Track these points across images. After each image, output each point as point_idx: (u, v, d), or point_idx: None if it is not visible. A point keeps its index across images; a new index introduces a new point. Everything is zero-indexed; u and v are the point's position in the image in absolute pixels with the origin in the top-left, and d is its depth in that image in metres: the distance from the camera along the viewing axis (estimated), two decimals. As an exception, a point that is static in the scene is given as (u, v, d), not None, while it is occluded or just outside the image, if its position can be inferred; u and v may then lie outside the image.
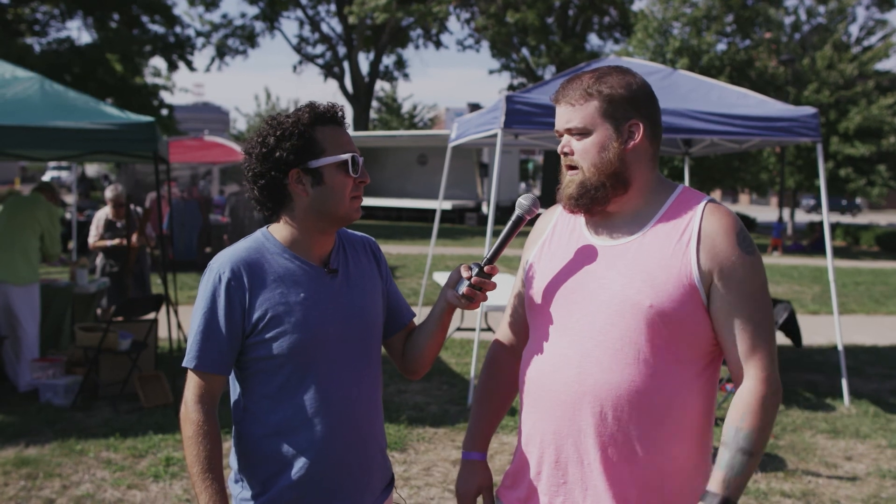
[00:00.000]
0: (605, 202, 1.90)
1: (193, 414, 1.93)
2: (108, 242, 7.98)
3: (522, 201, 1.99)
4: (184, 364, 1.96)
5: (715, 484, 1.79)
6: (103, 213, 8.18)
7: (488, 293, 1.98)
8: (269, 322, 1.93)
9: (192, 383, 1.95)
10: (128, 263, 7.90)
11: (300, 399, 1.96)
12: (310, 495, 1.98)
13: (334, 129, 2.00)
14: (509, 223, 1.99)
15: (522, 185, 45.84)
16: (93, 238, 8.12)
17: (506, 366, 2.14)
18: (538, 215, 2.07)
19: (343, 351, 2.01)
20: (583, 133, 1.89)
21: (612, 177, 1.88)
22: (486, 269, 1.96)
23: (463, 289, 1.96)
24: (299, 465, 1.96)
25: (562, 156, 1.93)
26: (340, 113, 2.02)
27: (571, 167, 1.91)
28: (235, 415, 2.04)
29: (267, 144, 1.95)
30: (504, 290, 5.59)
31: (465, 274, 1.96)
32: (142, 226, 7.91)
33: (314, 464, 1.96)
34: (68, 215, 14.73)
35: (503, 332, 2.16)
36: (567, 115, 1.91)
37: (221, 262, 1.96)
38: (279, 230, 2.02)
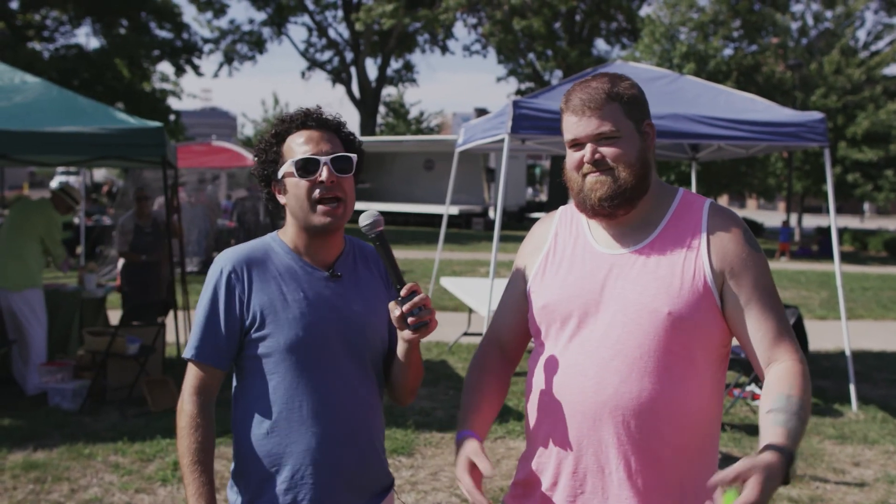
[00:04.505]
0: (634, 204, 1.89)
1: (188, 406, 1.96)
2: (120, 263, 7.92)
3: (366, 224, 1.92)
4: (184, 355, 2.00)
5: (779, 438, 1.65)
6: (129, 220, 8.00)
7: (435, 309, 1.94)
8: (266, 317, 1.96)
9: (190, 374, 1.99)
10: (159, 269, 7.83)
11: (295, 400, 1.97)
12: (302, 499, 1.97)
13: (302, 135, 2.00)
14: (379, 248, 1.95)
15: (529, 191, 45.79)
16: (119, 247, 8.04)
17: (496, 368, 2.09)
18: (379, 224, 1.96)
19: (340, 355, 2.01)
20: (613, 137, 1.87)
21: (641, 178, 1.88)
22: (404, 293, 1.90)
23: (411, 320, 1.90)
24: (293, 465, 1.97)
25: (587, 164, 1.88)
26: (314, 115, 2.02)
27: (605, 171, 1.86)
28: (234, 415, 2.05)
29: (256, 162, 2.07)
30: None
31: (397, 313, 1.91)
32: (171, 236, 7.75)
33: (307, 465, 1.97)
34: (76, 220, 14.74)
35: (493, 336, 2.12)
36: (595, 122, 1.86)
37: (225, 258, 2.02)
38: (286, 234, 2.07)
